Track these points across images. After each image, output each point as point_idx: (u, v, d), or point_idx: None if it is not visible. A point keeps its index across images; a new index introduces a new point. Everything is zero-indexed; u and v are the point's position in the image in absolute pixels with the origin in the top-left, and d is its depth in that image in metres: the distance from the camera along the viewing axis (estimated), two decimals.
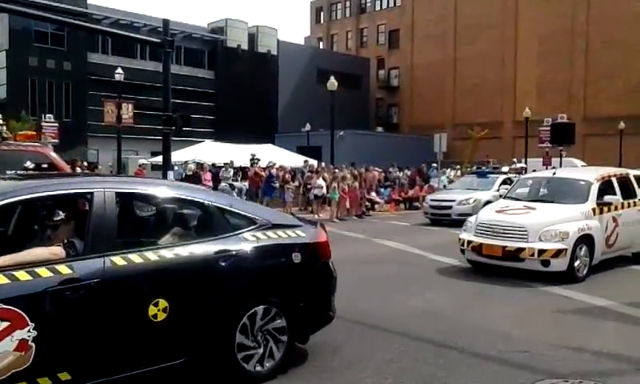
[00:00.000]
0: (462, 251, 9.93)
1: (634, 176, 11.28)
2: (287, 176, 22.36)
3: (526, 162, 30.13)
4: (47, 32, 42.11)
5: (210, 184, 18.74)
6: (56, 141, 29.73)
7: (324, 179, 20.86)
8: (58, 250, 4.09)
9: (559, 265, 8.83)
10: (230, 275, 4.64)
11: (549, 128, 31.10)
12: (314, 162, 26.80)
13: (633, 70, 45.27)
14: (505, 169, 22.55)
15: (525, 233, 9.00)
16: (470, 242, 9.65)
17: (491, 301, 7.87)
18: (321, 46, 71.86)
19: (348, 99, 50.57)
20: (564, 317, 7.10)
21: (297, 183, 22.94)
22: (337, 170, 22.24)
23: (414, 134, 53.18)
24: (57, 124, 30.30)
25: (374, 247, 13.28)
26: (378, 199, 24.43)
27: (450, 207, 18.16)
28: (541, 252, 8.81)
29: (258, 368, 4.73)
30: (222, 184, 18.43)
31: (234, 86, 50.64)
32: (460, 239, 9.99)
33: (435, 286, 8.82)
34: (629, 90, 45.56)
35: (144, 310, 4.18)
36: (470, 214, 11.47)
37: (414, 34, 61.02)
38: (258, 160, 21.66)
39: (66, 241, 4.20)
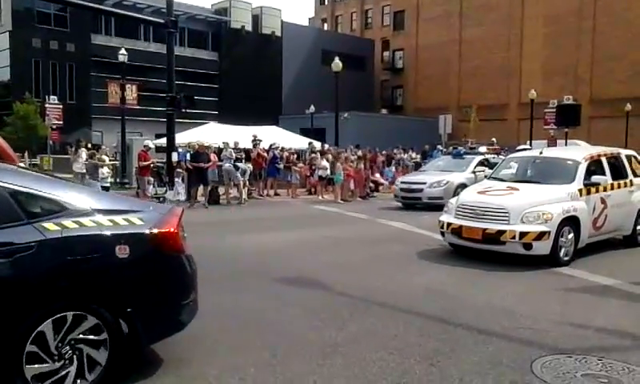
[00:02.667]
0: (442, 234, 9.61)
1: (626, 155, 10.89)
2: (292, 157, 22.35)
3: (530, 144, 30.01)
4: (50, 13, 41.98)
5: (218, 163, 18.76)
6: (60, 122, 29.88)
7: (327, 160, 20.85)
8: None
9: (542, 248, 8.45)
10: (10, 274, 3.69)
11: (554, 110, 31.01)
12: (317, 144, 26.78)
13: None
14: (482, 149, 21.11)
15: (506, 215, 8.64)
16: (449, 225, 9.29)
17: (495, 279, 7.89)
18: (325, 28, 71.38)
19: (352, 81, 50.30)
20: (568, 294, 7.11)
21: (300, 165, 22.96)
22: (340, 151, 22.22)
23: (418, 116, 52.96)
24: (61, 106, 30.39)
25: (378, 228, 13.30)
26: (382, 180, 24.42)
27: (421, 190, 17.09)
28: (522, 234, 8.41)
29: None
30: (227, 165, 18.42)
31: (237, 67, 50.49)
32: (440, 221, 9.64)
33: (439, 265, 8.84)
34: (636, 71, 45.14)
35: None
36: (442, 198, 11.07)
37: (419, 15, 60.47)
38: (260, 141, 21.64)
39: None
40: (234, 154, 19.75)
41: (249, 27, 53.06)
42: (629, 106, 41.03)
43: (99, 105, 38.61)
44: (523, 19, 52.13)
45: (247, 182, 19.52)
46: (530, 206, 8.68)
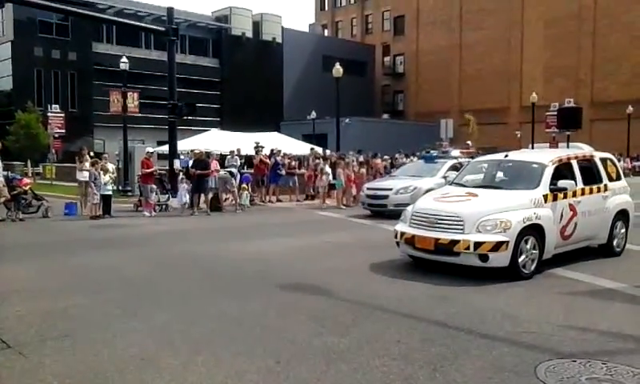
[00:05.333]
0: (397, 244, 8.88)
1: (601, 159, 10.12)
2: (293, 163, 22.39)
3: (532, 148, 30.00)
4: (52, 22, 42.19)
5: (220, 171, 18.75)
6: (62, 131, 29.96)
7: (330, 166, 20.85)
8: None
9: (500, 260, 7.75)
10: None
11: (556, 113, 31.02)
12: (319, 150, 26.81)
13: None
14: (455, 153, 19.81)
15: (460, 223, 7.94)
16: (403, 234, 8.59)
17: (498, 283, 7.86)
18: (325, 34, 71.59)
19: (353, 86, 50.43)
20: (572, 298, 7.10)
21: (303, 170, 22.97)
22: (341, 157, 22.21)
23: (419, 121, 53.05)
24: (62, 114, 30.46)
25: (380, 233, 13.28)
26: None
27: (387, 197, 16.06)
28: (477, 245, 7.70)
29: None
30: (222, 172, 18.44)
31: (238, 74, 50.62)
32: (395, 230, 8.94)
33: (441, 270, 8.82)
34: (636, 73, 45.19)
35: None
36: (409, 204, 9.93)
37: (419, 20, 60.65)
38: (262, 147, 21.67)
39: None
40: (238, 161, 19.78)
41: (249, 34, 53.23)
42: (630, 109, 41.03)
43: (101, 113, 38.70)
44: (523, 23, 52.27)
45: (248, 188, 19.48)
46: (488, 213, 7.97)
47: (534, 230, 8.09)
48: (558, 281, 8.03)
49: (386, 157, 27.61)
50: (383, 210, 16.00)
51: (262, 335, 5.58)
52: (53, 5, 20.62)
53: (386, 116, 59.06)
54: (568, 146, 27.77)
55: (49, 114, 30.09)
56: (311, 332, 5.65)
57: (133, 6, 45.11)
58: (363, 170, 21.54)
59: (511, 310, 6.47)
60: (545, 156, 9.43)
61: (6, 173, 15.73)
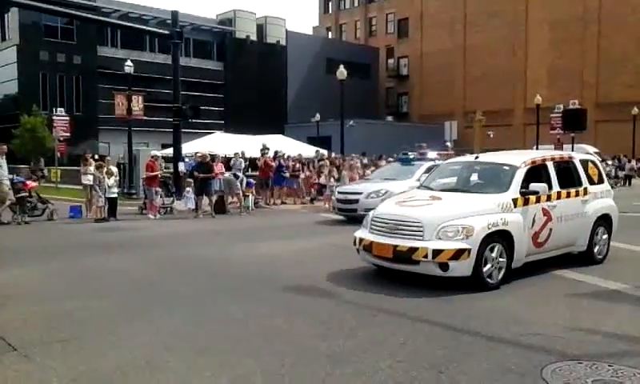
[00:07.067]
0: (358, 251, 8.32)
1: (581, 160, 9.50)
2: (297, 166, 22.40)
3: (537, 150, 29.98)
4: (57, 26, 42.38)
5: (225, 173, 18.80)
6: (67, 134, 30.09)
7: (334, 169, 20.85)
8: None
9: (461, 269, 7.21)
10: None
11: (560, 114, 30.95)
12: (324, 152, 26.85)
13: None
14: (432, 155, 18.86)
15: (420, 229, 7.41)
16: (362, 240, 8.07)
17: (504, 285, 7.83)
18: (329, 36, 71.66)
19: (357, 89, 50.46)
20: (578, 300, 7.06)
21: (307, 173, 22.98)
22: (345, 160, 22.23)
23: (424, 123, 53.02)
24: (68, 117, 30.62)
25: None
26: None
27: (357, 201, 15.22)
28: (436, 253, 7.17)
29: None
30: (227, 174, 18.48)
31: (243, 77, 50.72)
32: (354, 237, 8.38)
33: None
34: None
35: None
36: None
37: (423, 22, 60.64)
38: (268, 150, 21.71)
39: None
40: (243, 164, 19.80)
41: (253, 37, 53.35)
42: (635, 110, 40.91)
43: (106, 116, 38.88)
44: (527, 24, 52.19)
45: (253, 191, 19.51)
46: (449, 218, 7.42)
47: (500, 237, 7.54)
48: (563, 282, 8.00)
49: (390, 159, 27.58)
50: (354, 215, 14.82)
51: (267, 338, 5.58)
52: (58, 9, 20.76)
53: (390, 118, 59.05)
54: (573, 148, 27.71)
55: (54, 118, 30.24)
56: (316, 334, 5.65)
57: (137, 10, 45.28)
58: (368, 172, 21.50)
59: (516, 311, 6.45)
60: (517, 158, 8.75)
61: (11, 176, 15.80)
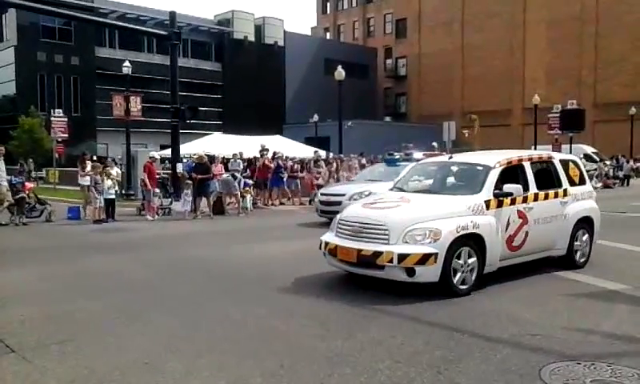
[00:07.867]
0: (324, 255, 7.97)
1: (561, 160, 9.16)
2: (295, 167, 22.40)
3: (535, 150, 29.99)
4: (55, 27, 42.34)
5: (223, 174, 18.80)
6: (65, 135, 30.01)
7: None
8: None
9: (428, 274, 6.87)
10: None
11: (558, 114, 30.99)
12: (322, 153, 26.85)
13: None
14: (418, 155, 18.37)
15: (385, 232, 7.04)
16: (327, 244, 7.72)
17: (502, 285, 7.84)
18: (327, 37, 71.68)
19: (356, 89, 50.48)
20: (576, 300, 7.07)
21: (305, 174, 22.98)
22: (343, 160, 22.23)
23: (422, 123, 53.04)
24: (66, 119, 30.51)
25: None
26: None
27: (339, 203, 14.47)
28: (402, 257, 6.80)
29: None
30: (225, 175, 18.47)
31: (241, 77, 50.73)
32: (320, 240, 8.03)
33: None
34: (639, 74, 45.10)
35: None
36: None
37: (421, 23, 60.72)
38: (267, 150, 21.69)
39: None
40: (241, 165, 19.77)
41: (251, 37, 53.34)
42: (633, 110, 40.96)
43: (104, 117, 38.85)
44: (525, 25, 52.27)
45: (251, 192, 19.48)
46: (416, 221, 7.07)
47: (470, 240, 7.18)
48: (561, 282, 8.00)
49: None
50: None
51: (266, 339, 5.57)
52: (55, 10, 20.71)
53: (388, 119, 59.09)
54: (571, 148, 27.73)
55: (52, 119, 30.13)
56: (315, 335, 5.64)
57: (135, 11, 45.25)
58: None
59: (515, 312, 6.45)
60: (492, 158, 8.32)
61: (9, 177, 15.77)
